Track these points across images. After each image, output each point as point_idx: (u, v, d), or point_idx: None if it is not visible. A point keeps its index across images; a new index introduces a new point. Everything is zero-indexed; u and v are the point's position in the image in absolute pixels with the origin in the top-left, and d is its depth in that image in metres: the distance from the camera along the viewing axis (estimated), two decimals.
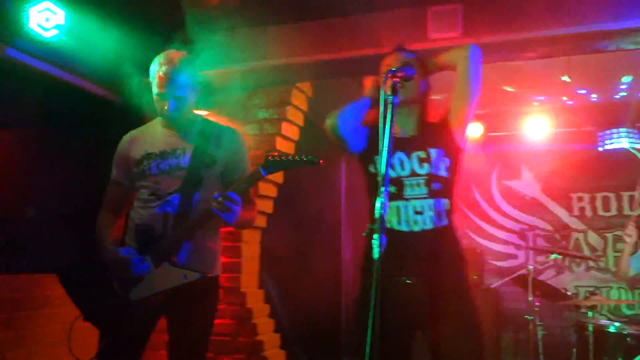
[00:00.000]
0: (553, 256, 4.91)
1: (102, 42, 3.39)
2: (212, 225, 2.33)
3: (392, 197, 2.10)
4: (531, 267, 4.80)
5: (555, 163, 5.85)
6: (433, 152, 2.15)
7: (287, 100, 4.31)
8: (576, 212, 5.90)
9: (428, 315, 2.05)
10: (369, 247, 2.12)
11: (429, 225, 2.09)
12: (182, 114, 2.37)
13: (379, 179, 1.90)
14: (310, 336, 5.08)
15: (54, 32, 3.27)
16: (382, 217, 1.65)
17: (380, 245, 1.63)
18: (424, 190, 2.12)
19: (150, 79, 2.36)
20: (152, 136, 2.45)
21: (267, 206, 4.47)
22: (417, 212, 2.09)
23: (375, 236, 1.63)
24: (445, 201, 2.15)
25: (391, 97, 1.78)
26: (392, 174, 2.12)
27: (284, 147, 4.39)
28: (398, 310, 1.97)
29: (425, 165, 2.13)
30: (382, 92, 1.80)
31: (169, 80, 2.29)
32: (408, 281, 2.06)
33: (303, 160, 2.20)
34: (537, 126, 5.59)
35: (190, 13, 3.73)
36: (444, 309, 2.04)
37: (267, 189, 4.38)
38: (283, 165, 2.21)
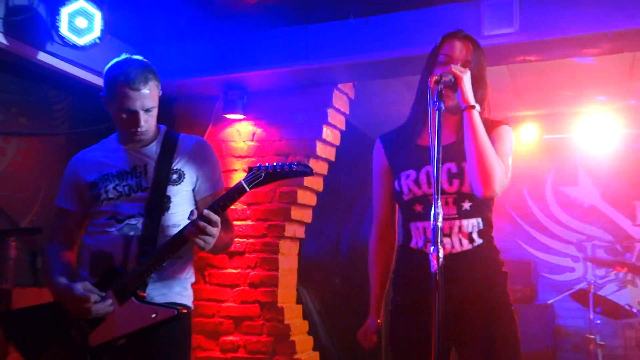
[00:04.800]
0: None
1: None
2: (185, 250, 2.07)
3: (418, 217, 1.94)
4: (591, 281, 4.57)
5: (616, 167, 5.58)
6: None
7: (327, 103, 4.12)
8: None
9: (461, 334, 1.89)
10: (400, 263, 2.07)
11: (457, 249, 1.90)
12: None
13: (404, 197, 1.96)
14: (350, 354, 4.91)
15: (88, 35, 3.21)
16: (437, 228, 1.58)
17: (437, 258, 1.56)
18: (452, 210, 1.91)
19: (113, 94, 2.06)
20: (107, 154, 2.19)
21: (306, 215, 4.32)
22: (444, 235, 1.88)
23: (432, 249, 1.57)
24: (477, 220, 1.93)
25: (437, 104, 1.70)
26: (416, 190, 1.94)
27: (325, 152, 4.24)
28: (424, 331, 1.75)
29: (455, 182, 1.91)
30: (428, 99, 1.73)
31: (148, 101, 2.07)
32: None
33: (293, 171, 1.95)
34: (597, 128, 5.34)
35: (227, 15, 3.66)
36: (477, 328, 1.89)
37: (306, 197, 4.23)
38: (270, 178, 1.94)
